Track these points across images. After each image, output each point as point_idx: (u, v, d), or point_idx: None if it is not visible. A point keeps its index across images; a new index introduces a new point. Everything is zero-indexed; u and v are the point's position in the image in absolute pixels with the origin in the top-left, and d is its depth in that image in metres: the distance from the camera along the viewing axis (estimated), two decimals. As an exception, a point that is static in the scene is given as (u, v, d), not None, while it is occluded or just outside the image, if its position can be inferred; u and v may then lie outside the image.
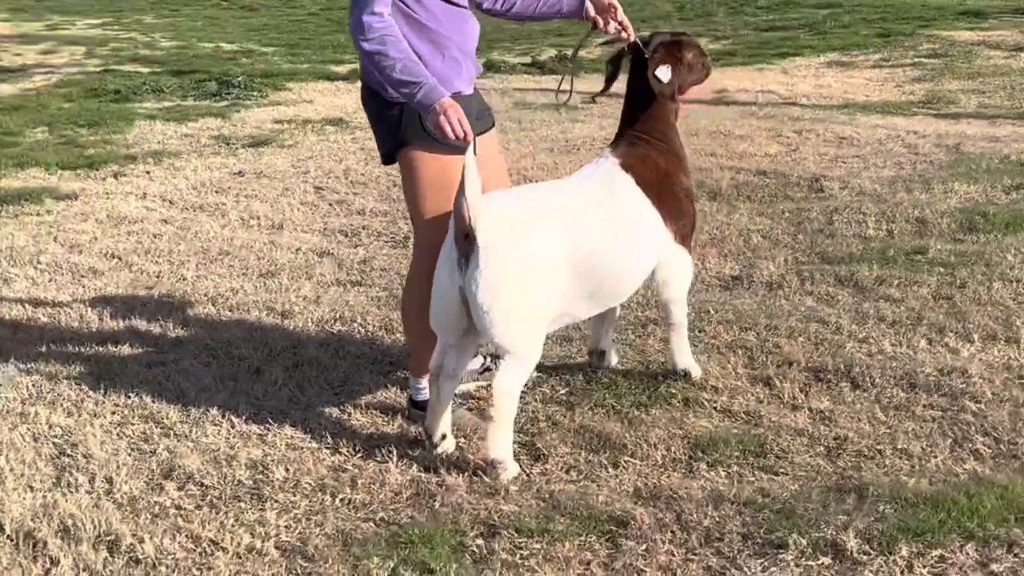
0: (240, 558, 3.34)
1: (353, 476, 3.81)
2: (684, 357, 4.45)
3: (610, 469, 3.80)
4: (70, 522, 3.51)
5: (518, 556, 3.29)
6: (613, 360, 4.60)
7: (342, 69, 13.55)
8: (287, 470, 3.84)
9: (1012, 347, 4.63)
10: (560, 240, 3.86)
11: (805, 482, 3.64)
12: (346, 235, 6.72)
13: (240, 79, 12.61)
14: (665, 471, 3.77)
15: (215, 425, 4.20)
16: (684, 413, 4.18)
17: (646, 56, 4.22)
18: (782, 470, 3.74)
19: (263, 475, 3.82)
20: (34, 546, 3.41)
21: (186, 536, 3.46)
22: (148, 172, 8.41)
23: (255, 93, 12.00)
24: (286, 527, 3.50)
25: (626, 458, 3.85)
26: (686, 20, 18.02)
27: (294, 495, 3.69)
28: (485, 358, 4.59)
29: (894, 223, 6.34)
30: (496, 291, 3.69)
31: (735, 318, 5.05)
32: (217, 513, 3.58)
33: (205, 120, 10.59)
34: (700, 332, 4.91)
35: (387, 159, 4.07)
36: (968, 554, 3.18)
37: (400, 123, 3.92)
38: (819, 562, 3.19)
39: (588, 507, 3.52)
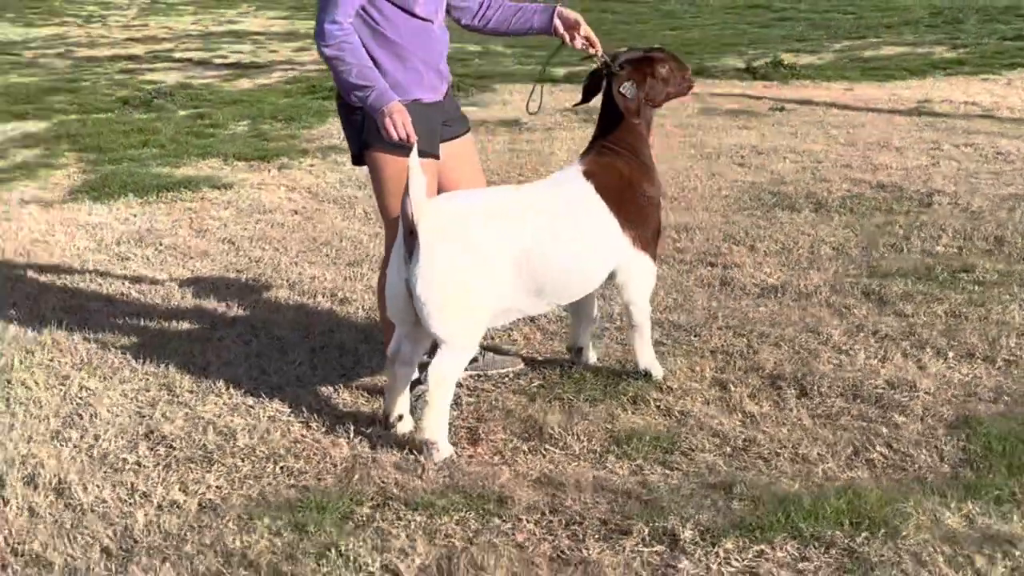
0: (160, 510, 3.80)
1: (305, 448, 4.21)
2: (645, 357, 4.70)
3: (529, 456, 4.11)
4: (39, 470, 4.02)
5: (393, 525, 3.65)
6: (591, 357, 4.85)
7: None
8: (251, 439, 4.29)
9: (982, 366, 4.72)
10: (499, 239, 4.16)
11: (690, 478, 3.88)
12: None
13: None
14: (575, 461, 4.06)
15: (216, 396, 4.66)
16: (625, 410, 4.45)
17: (612, 72, 4.39)
18: (678, 466, 3.99)
19: (227, 442, 4.28)
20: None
21: (125, 488, 3.92)
22: (311, 166, 9.01)
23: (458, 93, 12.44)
24: (217, 487, 3.94)
25: (547, 447, 4.17)
26: (932, 27, 17.49)
27: (242, 461, 4.13)
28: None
29: (969, 241, 6.25)
30: (431, 285, 4.04)
31: (737, 324, 5.24)
32: (166, 471, 4.07)
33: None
34: (694, 336, 5.10)
35: (356, 160, 4.42)
36: (786, 551, 3.40)
37: (363, 127, 4.26)
38: (652, 549, 3.46)
39: (483, 488, 3.86)
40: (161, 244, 6.95)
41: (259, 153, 9.51)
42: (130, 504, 3.84)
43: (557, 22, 4.53)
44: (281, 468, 4.06)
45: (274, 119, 11.20)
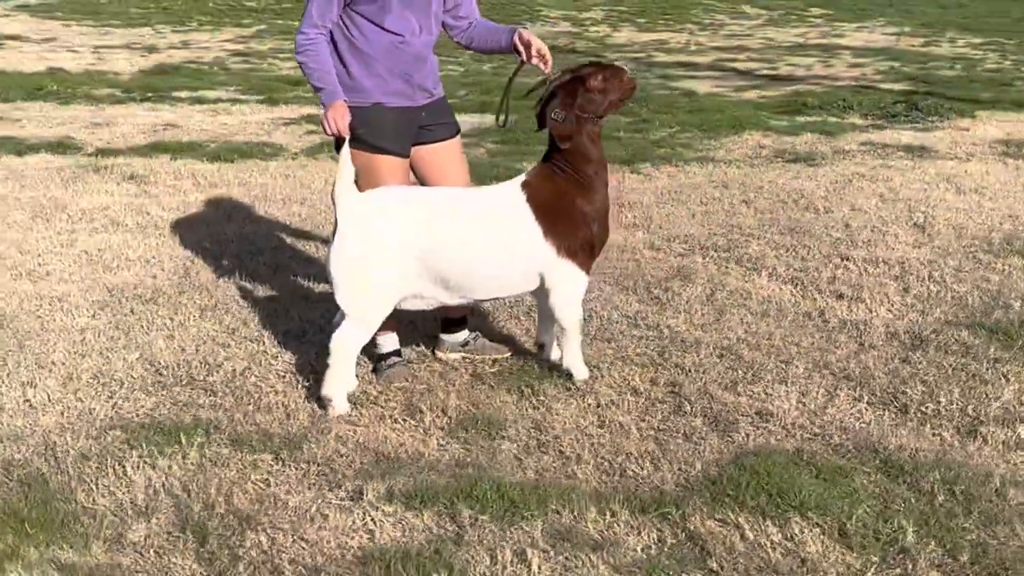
0: (75, 413, 4.72)
1: (248, 391, 4.98)
2: (569, 358, 5.06)
3: (414, 427, 4.66)
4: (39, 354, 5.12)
5: (224, 464, 4.29)
6: (553, 354, 5.21)
7: None
8: (224, 377, 5.13)
9: (885, 412, 4.75)
10: (400, 234, 4.71)
11: (502, 457, 4.39)
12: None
13: (928, 103, 12.52)
14: (441, 435, 4.58)
15: (250, 341, 5.55)
16: (528, 399, 4.91)
17: (543, 98, 4.85)
18: (515, 451, 4.44)
19: (203, 375, 5.16)
20: None
21: (72, 390, 4.93)
22: (653, 172, 9.41)
23: (934, 118, 11.96)
24: (141, 406, 4.82)
25: (431, 420, 4.71)
26: None
27: (191, 391, 4.99)
28: (469, 332, 5.48)
29: None
30: (337, 265, 4.74)
31: (751, 343, 5.52)
32: (120, 385, 5.01)
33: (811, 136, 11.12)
34: (685, 353, 5.41)
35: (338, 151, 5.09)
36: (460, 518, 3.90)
37: None
38: (381, 510, 3.96)
39: (341, 448, 4.46)
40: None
41: (637, 156, 10.04)
42: (58, 400, 4.84)
43: (516, 41, 4.98)
44: (208, 403, 4.84)
45: (700, 128, 11.56)
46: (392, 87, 4.99)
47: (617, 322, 5.79)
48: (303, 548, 3.72)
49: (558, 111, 4.76)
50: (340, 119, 4.82)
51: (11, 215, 7.75)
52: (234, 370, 5.17)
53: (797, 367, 5.16)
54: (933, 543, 3.71)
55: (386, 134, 4.96)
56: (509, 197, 4.85)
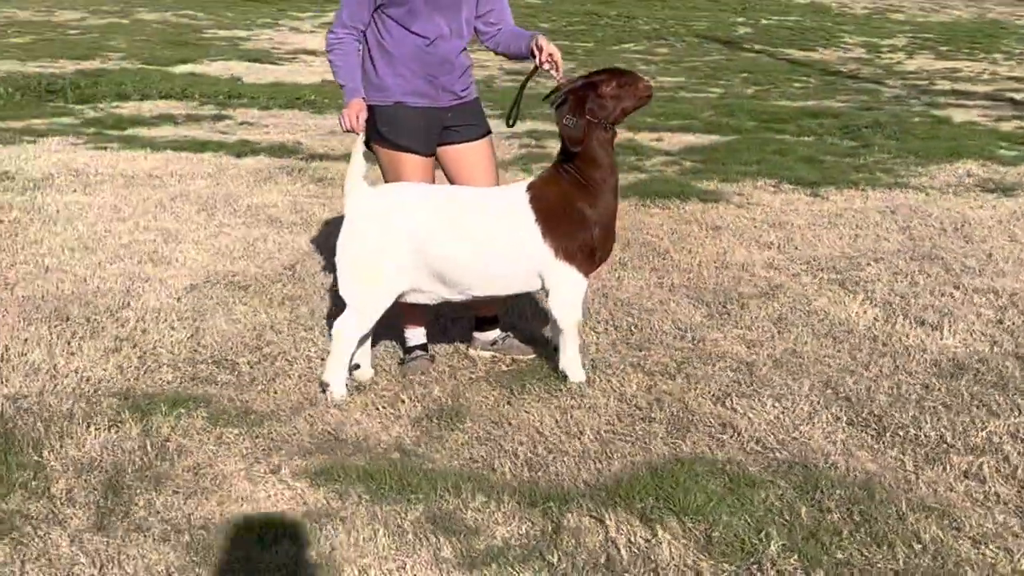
0: (95, 380, 5.17)
1: (265, 374, 5.31)
2: (564, 359, 5.14)
3: (387, 415, 4.87)
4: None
5: (186, 434, 4.58)
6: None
7: None
8: (254, 359, 5.48)
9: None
10: (399, 230, 4.94)
11: (445, 445, 4.56)
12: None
13: None
14: (405, 423, 4.78)
15: (304, 331, 5.87)
16: (510, 396, 5.03)
17: (555, 104, 4.99)
18: (461, 441, 4.61)
19: (236, 356, 5.51)
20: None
21: (107, 360, 5.41)
22: (831, 195, 9.24)
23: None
24: (160, 379, 5.20)
25: (406, 410, 4.92)
26: None
27: (215, 369, 5.33)
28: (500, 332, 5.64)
29: None
30: (341, 256, 5.06)
31: (779, 359, 5.44)
32: (155, 359, 5.42)
33: None
34: (704, 365, 5.40)
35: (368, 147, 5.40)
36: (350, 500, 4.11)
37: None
38: (286, 483, 4.22)
39: (302, 428, 4.72)
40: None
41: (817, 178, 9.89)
42: (87, 353, 5.35)
43: (532, 46, 5.16)
44: (210, 377, 5.22)
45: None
46: (415, 87, 5.23)
47: (666, 332, 5.81)
48: (187, 510, 4.00)
49: (569, 115, 4.87)
50: (355, 116, 5.11)
51: (184, 208, 8.41)
52: (268, 354, 5.50)
53: (803, 385, 5.05)
54: (796, 557, 3.64)
55: (407, 133, 5.23)
56: (513, 197, 5.00)
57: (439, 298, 5.14)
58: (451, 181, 5.41)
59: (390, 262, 4.94)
